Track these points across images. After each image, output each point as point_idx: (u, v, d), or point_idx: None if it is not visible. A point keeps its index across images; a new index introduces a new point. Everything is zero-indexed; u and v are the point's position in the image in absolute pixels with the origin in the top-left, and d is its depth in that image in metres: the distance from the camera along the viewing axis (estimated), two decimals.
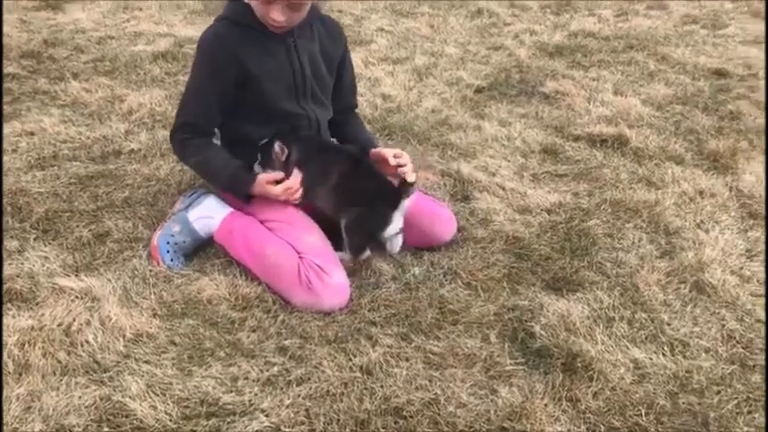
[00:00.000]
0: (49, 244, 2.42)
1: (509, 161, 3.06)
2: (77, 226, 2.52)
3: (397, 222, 2.26)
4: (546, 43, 4.69)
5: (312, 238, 2.23)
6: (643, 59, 4.35)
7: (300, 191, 2.24)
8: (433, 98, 3.75)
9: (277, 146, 2.21)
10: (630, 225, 2.56)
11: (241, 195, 2.30)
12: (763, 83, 3.95)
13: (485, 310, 2.12)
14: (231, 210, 2.38)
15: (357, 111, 2.67)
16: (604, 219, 2.59)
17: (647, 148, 3.14)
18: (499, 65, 4.27)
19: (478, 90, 3.89)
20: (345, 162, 2.29)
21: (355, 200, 2.25)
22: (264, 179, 2.24)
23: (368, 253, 2.30)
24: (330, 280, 2.12)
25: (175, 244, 2.34)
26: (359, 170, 2.29)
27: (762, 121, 3.44)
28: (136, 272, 2.28)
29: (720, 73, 4.14)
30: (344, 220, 2.28)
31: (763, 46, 4.62)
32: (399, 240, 2.32)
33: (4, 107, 3.43)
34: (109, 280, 2.22)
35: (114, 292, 2.16)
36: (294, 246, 2.20)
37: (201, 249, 2.41)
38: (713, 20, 5.20)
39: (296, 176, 2.23)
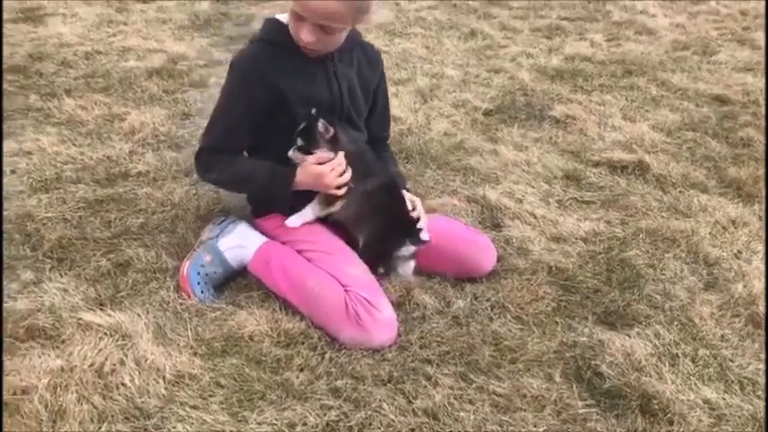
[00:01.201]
0: (66, 274, 2.26)
1: (533, 187, 2.99)
2: (94, 254, 2.36)
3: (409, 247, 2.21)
4: (544, 66, 4.66)
5: (355, 269, 2.12)
6: (644, 85, 4.35)
7: (348, 174, 2.13)
8: (443, 121, 3.67)
9: (321, 124, 2.08)
10: (670, 255, 2.51)
11: (285, 190, 2.13)
12: (763, 109, 3.98)
13: (543, 348, 2.03)
14: (265, 239, 2.25)
15: (388, 143, 2.56)
16: (643, 249, 2.54)
17: (669, 176, 3.11)
18: (503, 88, 4.22)
19: (487, 113, 3.82)
20: (384, 175, 2.21)
21: (379, 214, 2.18)
22: (312, 160, 2.11)
23: (381, 271, 2.21)
24: (380, 315, 2.00)
25: (206, 275, 2.20)
26: (392, 189, 2.21)
27: None
28: (165, 305, 2.13)
29: (721, 99, 4.16)
30: (363, 238, 2.21)
31: (757, 72, 4.68)
32: (412, 264, 2.25)
33: None
34: (138, 315, 2.06)
35: (147, 328, 2.01)
36: (337, 278, 2.08)
37: (232, 280, 2.27)
38: (703, 46, 5.25)
39: (341, 157, 2.12)
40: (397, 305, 2.17)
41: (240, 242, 2.25)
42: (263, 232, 2.29)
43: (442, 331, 2.08)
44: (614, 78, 4.48)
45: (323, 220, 2.26)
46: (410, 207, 2.22)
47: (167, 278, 2.25)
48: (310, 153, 2.11)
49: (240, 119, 2.15)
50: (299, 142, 2.11)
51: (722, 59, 4.97)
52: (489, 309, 2.20)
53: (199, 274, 2.19)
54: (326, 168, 2.09)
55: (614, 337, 2.06)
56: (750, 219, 2.77)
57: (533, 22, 5.77)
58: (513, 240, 2.57)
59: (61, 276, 2.24)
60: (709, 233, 2.65)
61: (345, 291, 2.03)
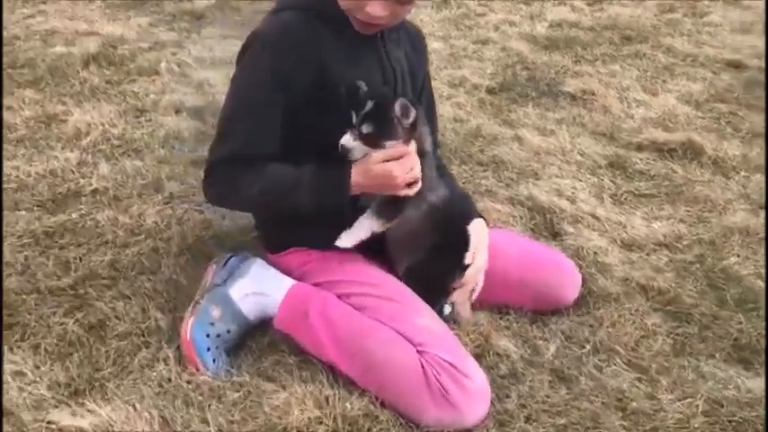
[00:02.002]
0: (19, 348, 1.64)
1: (580, 180, 2.51)
2: (54, 313, 1.75)
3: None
4: (533, 35, 4.18)
5: (426, 319, 1.58)
6: (649, 52, 3.93)
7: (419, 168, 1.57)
8: (445, 104, 3.14)
9: (399, 105, 1.50)
10: None
11: (338, 198, 1.55)
12: None
13: (685, 409, 1.54)
14: (292, 281, 1.68)
15: (439, 155, 1.98)
16: (741, 254, 2.10)
17: (726, 158, 2.68)
18: (498, 61, 3.72)
19: (491, 91, 3.32)
20: (448, 188, 1.70)
21: (436, 235, 1.65)
22: (380, 157, 1.52)
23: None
24: (471, 384, 1.48)
25: (217, 336, 1.62)
26: (454, 206, 1.70)
27: None
28: (167, 385, 1.56)
29: (735, 65, 3.78)
30: (408, 262, 1.69)
31: (757, 33, 4.33)
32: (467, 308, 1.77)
33: None
34: (132, 406, 1.47)
35: (150, 426, 1.42)
36: (403, 333, 1.54)
37: (250, 337, 1.71)
38: (691, 8, 4.87)
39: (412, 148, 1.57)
40: (475, 357, 1.64)
41: (258, 287, 1.67)
42: (285, 272, 1.72)
43: (548, 394, 1.57)
44: (614, 46, 4.06)
45: (362, 248, 1.71)
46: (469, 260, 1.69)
47: (163, 343, 1.66)
48: (377, 145, 1.53)
49: (270, 109, 1.56)
50: (366, 129, 1.51)
51: (716, 21, 4.60)
52: (592, 353, 1.70)
53: (208, 336, 1.61)
54: (396, 164, 1.52)
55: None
56: None
57: None
58: (585, 253, 2.08)
59: (13, 351, 1.62)
60: None
61: (418, 351, 1.50)
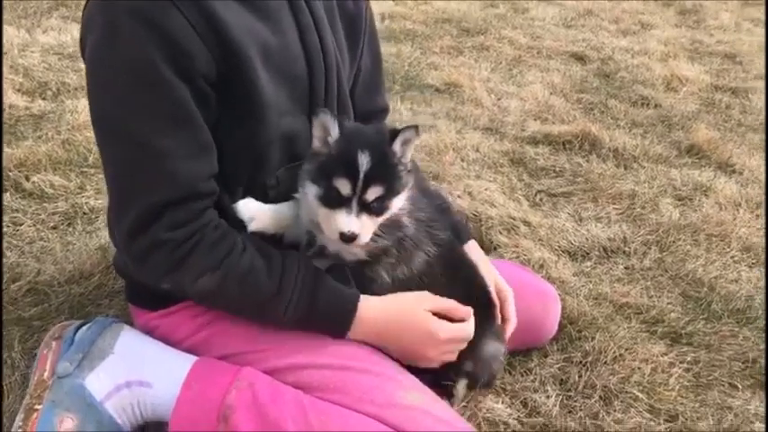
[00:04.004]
0: None
1: (489, 181, 2.14)
2: None
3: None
4: None
5: (413, 394, 1.07)
6: (494, 44, 3.71)
7: None
8: None
9: (402, 139, 1.01)
10: (729, 258, 1.83)
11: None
12: (622, 70, 3.55)
13: None
14: (193, 357, 1.08)
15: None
16: (699, 255, 1.82)
17: (623, 149, 2.45)
18: None
19: None
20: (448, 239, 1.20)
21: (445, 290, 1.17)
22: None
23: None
24: None
25: None
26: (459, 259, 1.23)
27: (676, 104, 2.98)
28: None
29: (578, 57, 3.68)
30: None
31: (579, 27, 4.32)
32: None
33: None
34: None
35: None
36: (386, 421, 1.01)
37: None
38: (512, 4, 4.79)
39: None
40: None
41: (133, 373, 1.06)
42: (171, 342, 1.11)
43: None
44: (453, 38, 3.80)
45: None
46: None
47: None
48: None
49: (187, 107, 0.97)
50: (374, 192, 0.99)
51: (538, 16, 4.55)
52: (603, 402, 1.30)
53: None
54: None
55: None
56: (750, 192, 2.20)
57: None
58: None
59: None
60: (737, 219, 2.02)
61: None
